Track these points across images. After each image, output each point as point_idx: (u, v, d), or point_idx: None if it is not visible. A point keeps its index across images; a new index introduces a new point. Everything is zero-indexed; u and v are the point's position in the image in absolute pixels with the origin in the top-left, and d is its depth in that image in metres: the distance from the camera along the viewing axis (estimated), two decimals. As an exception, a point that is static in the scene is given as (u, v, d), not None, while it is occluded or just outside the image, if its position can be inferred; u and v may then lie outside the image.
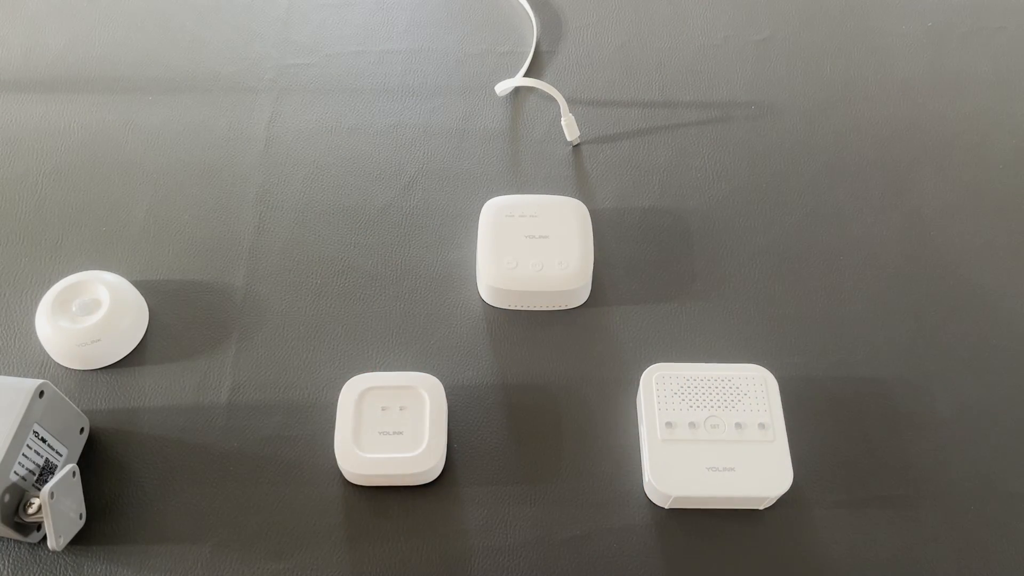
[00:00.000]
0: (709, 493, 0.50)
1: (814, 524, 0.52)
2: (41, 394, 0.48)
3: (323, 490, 0.53)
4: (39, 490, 0.47)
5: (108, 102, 0.71)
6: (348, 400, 0.53)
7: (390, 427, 0.52)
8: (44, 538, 0.48)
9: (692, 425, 0.52)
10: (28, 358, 0.58)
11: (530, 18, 0.77)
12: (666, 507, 0.52)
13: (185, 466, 0.54)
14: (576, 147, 0.69)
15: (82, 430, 0.53)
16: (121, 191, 0.66)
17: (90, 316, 0.56)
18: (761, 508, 0.52)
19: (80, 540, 0.50)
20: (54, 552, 0.50)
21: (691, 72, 0.74)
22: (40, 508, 0.46)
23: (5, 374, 0.56)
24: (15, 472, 0.46)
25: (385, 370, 0.56)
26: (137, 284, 0.60)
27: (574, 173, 0.68)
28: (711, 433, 0.51)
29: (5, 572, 0.50)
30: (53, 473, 0.49)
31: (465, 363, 0.58)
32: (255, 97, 0.72)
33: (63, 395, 0.51)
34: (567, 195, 0.64)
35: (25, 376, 0.50)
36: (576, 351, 0.59)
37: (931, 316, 0.60)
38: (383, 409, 0.53)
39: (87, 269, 0.60)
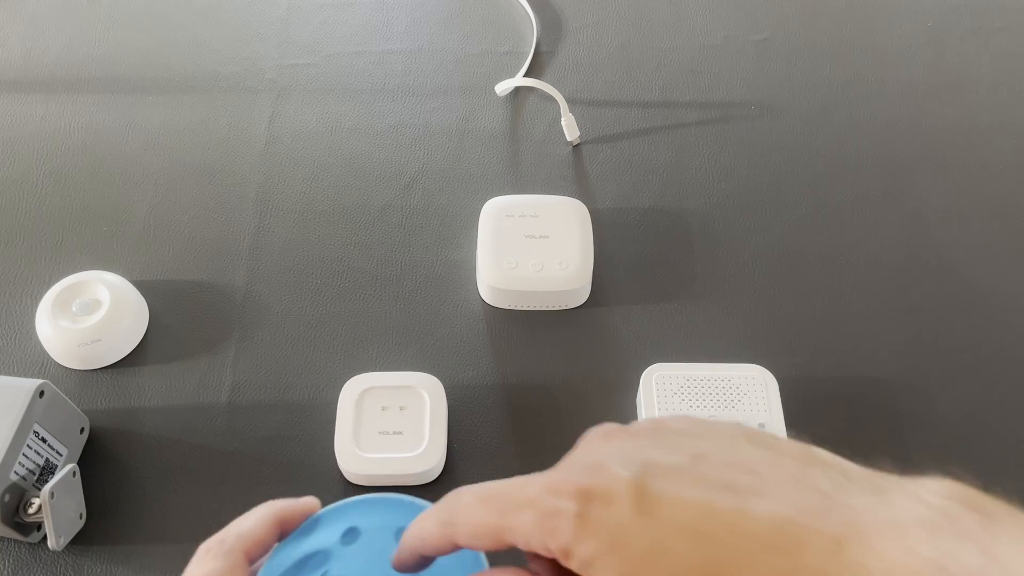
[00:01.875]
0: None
1: (814, 524, 0.52)
2: (41, 394, 0.48)
3: (323, 490, 0.53)
4: (39, 490, 0.47)
5: (108, 102, 0.71)
6: (348, 400, 0.53)
7: (390, 427, 0.52)
8: (44, 538, 0.48)
9: (692, 425, 0.52)
10: (28, 358, 0.58)
11: (530, 18, 0.77)
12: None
13: (185, 466, 0.54)
14: (576, 147, 0.69)
15: (82, 430, 0.53)
16: (121, 191, 0.66)
17: (90, 316, 0.56)
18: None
19: (80, 540, 0.50)
20: (54, 552, 0.50)
21: (691, 72, 0.74)
22: (40, 508, 0.47)
23: (5, 374, 0.56)
24: (15, 472, 0.46)
25: (385, 370, 0.56)
26: (137, 284, 0.60)
27: (574, 173, 0.68)
28: (711, 433, 0.51)
29: (5, 572, 0.50)
30: (53, 473, 0.49)
31: (465, 363, 0.58)
32: (255, 97, 0.72)
33: (63, 395, 0.51)
34: (567, 195, 0.64)
35: (25, 376, 0.51)
36: (576, 351, 0.59)
37: (931, 316, 0.60)
38: (383, 409, 0.53)
39: (87, 269, 0.60)
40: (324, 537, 0.36)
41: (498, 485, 0.29)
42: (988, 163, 0.68)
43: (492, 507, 0.29)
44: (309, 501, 0.35)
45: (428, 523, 0.31)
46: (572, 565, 0.27)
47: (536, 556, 0.28)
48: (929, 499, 0.24)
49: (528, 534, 0.27)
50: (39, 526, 0.49)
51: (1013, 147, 0.69)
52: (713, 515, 0.25)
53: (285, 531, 0.34)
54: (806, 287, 0.62)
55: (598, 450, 0.29)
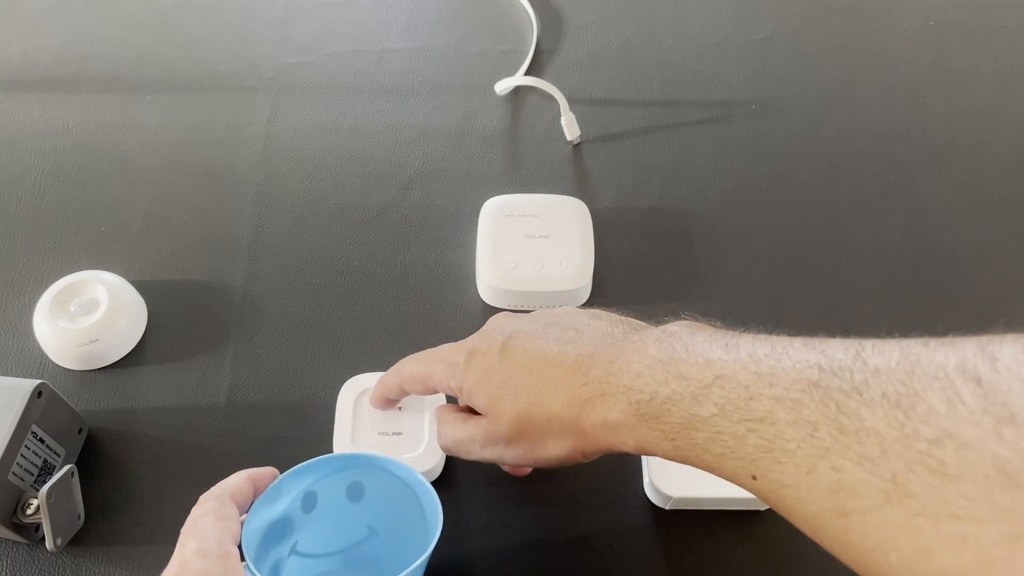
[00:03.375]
0: (709, 494, 0.50)
1: (815, 525, 0.52)
2: (39, 394, 0.48)
3: (322, 491, 0.53)
4: (37, 491, 0.47)
5: (106, 101, 0.71)
6: (347, 400, 0.53)
7: (389, 427, 0.52)
8: (42, 539, 0.48)
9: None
10: (26, 358, 0.58)
11: (530, 17, 0.77)
12: (666, 507, 0.52)
13: (184, 467, 0.54)
14: (576, 146, 0.69)
15: (80, 430, 0.53)
16: (119, 191, 0.66)
17: (88, 316, 0.56)
18: (762, 509, 0.52)
19: (78, 541, 0.50)
20: (52, 553, 0.50)
21: (692, 71, 0.74)
22: (38, 509, 0.46)
23: (3, 374, 0.56)
24: (13, 473, 0.46)
25: (384, 370, 0.56)
26: (136, 284, 0.60)
27: (574, 173, 0.68)
28: (711, 433, 0.51)
29: (4, 572, 0.50)
30: (51, 474, 0.49)
31: (465, 363, 0.58)
32: (254, 96, 0.71)
33: (61, 395, 0.51)
34: (567, 195, 0.64)
35: (23, 376, 0.50)
36: (576, 351, 0.58)
37: (931, 316, 0.60)
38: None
39: (85, 269, 0.60)
40: (286, 504, 0.43)
41: (428, 350, 0.47)
42: (990, 163, 0.68)
43: (422, 361, 0.46)
44: (270, 469, 0.43)
45: (389, 376, 0.49)
46: (463, 397, 0.43)
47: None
48: (667, 328, 0.37)
49: (441, 379, 0.44)
50: (37, 527, 0.49)
51: (1015, 146, 0.69)
52: (543, 356, 0.40)
53: (258, 489, 0.42)
54: (807, 287, 0.62)
55: (489, 326, 0.45)
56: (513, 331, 0.42)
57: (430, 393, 0.48)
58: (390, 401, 0.51)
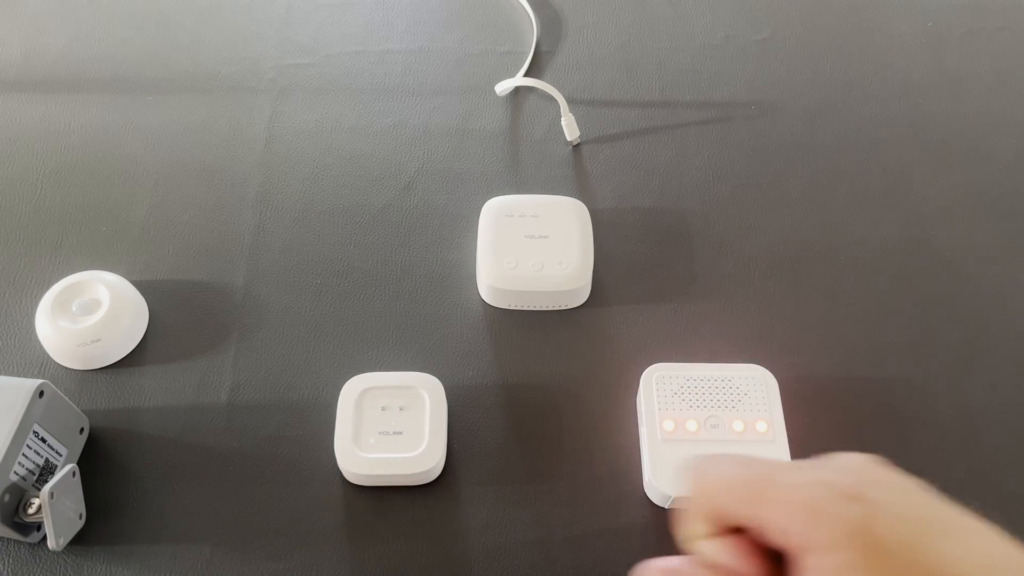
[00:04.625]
0: (709, 493, 0.50)
1: (814, 524, 0.52)
2: (41, 394, 0.48)
3: (323, 490, 0.53)
4: (39, 490, 0.47)
5: (108, 102, 0.71)
6: (348, 400, 0.53)
7: (390, 427, 0.52)
8: (44, 538, 0.48)
9: (692, 425, 0.52)
10: (28, 358, 0.58)
11: (530, 18, 0.77)
12: (666, 507, 0.52)
13: (185, 466, 0.54)
14: (576, 147, 0.69)
15: (82, 430, 0.53)
16: (121, 191, 0.66)
17: (90, 316, 0.56)
18: (761, 508, 0.52)
19: (80, 540, 0.50)
20: (54, 552, 0.50)
21: (691, 72, 0.74)
22: (40, 508, 0.47)
23: (5, 374, 0.56)
24: (15, 472, 0.46)
25: (385, 370, 0.56)
26: (137, 284, 0.60)
27: (574, 173, 0.68)
28: (711, 433, 0.51)
29: (5, 572, 0.50)
30: (53, 473, 0.49)
31: (465, 363, 0.58)
32: (255, 97, 0.72)
33: (63, 395, 0.51)
34: (567, 195, 0.64)
35: (25, 376, 0.50)
36: (576, 351, 0.59)
37: (931, 316, 0.60)
38: (383, 409, 0.53)
39: (87, 269, 0.60)
40: None
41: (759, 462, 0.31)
42: (988, 162, 0.68)
43: (756, 483, 0.30)
44: None
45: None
46: (800, 557, 0.27)
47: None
48: None
49: (787, 523, 0.28)
50: (39, 526, 0.49)
51: (1013, 146, 0.69)
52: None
53: None
54: (806, 287, 0.62)
55: (889, 493, 0.30)
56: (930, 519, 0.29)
57: (726, 523, 0.31)
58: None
